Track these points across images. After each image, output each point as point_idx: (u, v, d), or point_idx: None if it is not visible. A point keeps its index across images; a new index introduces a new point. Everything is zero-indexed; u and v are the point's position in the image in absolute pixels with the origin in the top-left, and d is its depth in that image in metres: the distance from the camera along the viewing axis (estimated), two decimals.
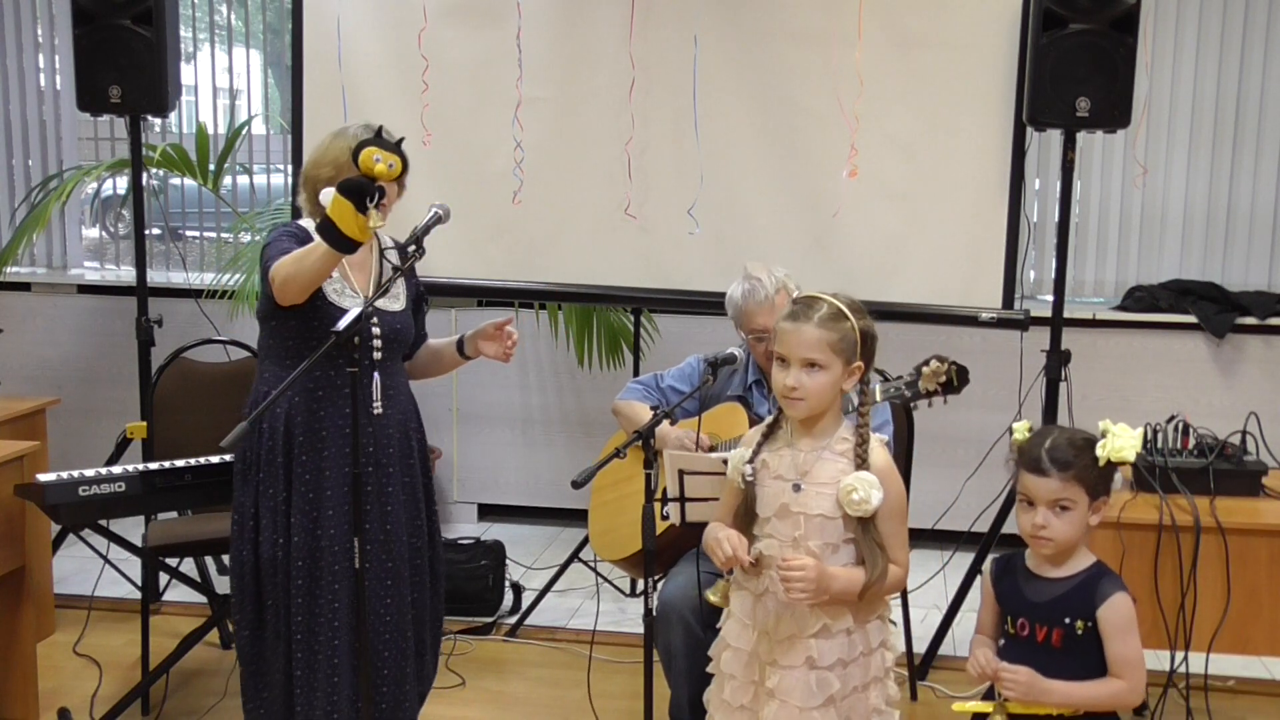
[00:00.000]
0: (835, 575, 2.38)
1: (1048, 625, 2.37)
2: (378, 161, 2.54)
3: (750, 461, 2.49)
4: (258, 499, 2.94)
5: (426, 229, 2.87)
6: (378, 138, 2.64)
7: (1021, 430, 2.47)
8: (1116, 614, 2.34)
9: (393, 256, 3.03)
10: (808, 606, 2.39)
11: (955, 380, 3.02)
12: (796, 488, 2.43)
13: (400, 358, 3.07)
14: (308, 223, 2.96)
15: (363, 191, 2.50)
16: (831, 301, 2.43)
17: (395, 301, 3.04)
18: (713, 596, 2.53)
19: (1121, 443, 2.36)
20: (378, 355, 2.95)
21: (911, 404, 3.09)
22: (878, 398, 3.07)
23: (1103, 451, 2.36)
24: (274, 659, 2.96)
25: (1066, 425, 2.50)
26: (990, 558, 2.54)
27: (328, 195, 2.58)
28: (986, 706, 2.41)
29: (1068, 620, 2.35)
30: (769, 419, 2.55)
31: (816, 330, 2.40)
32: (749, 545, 2.47)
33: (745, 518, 2.50)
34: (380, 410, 2.94)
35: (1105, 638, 2.34)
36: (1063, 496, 2.36)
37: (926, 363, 3.03)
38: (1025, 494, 2.41)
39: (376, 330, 2.94)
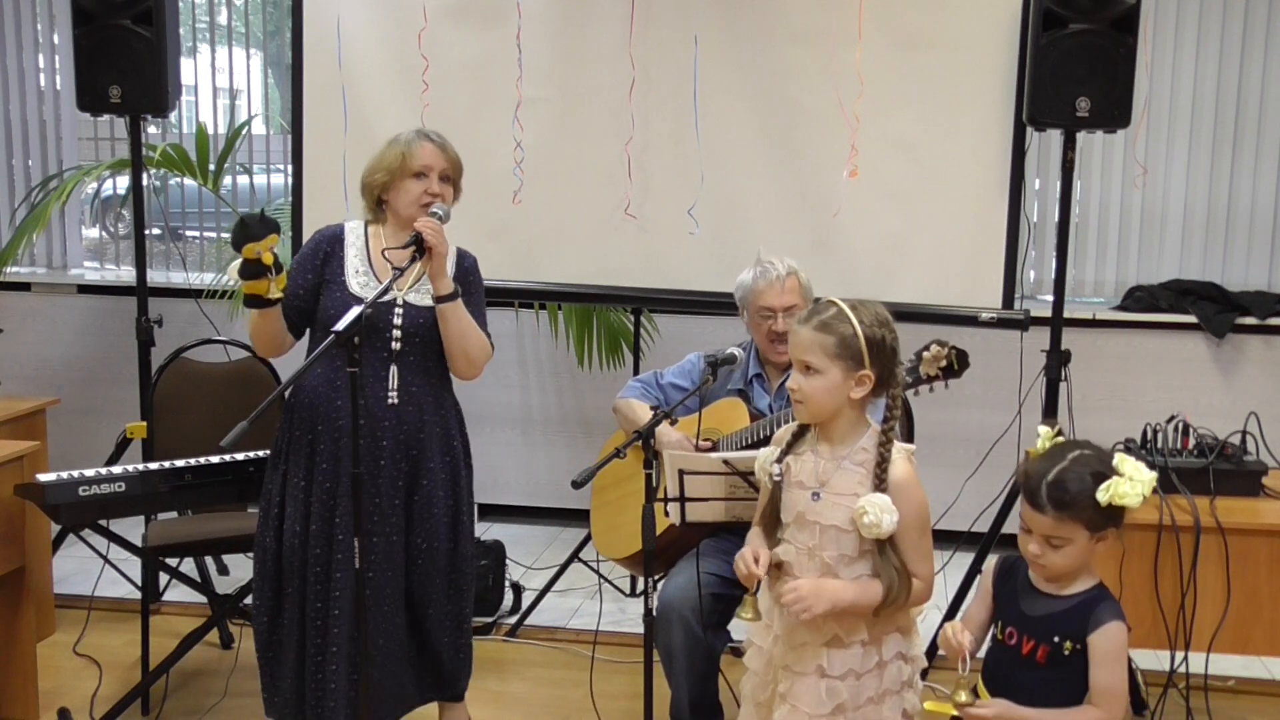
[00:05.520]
0: (844, 587, 2.37)
1: (1036, 640, 2.33)
2: (259, 255, 2.80)
3: (778, 461, 2.47)
4: (284, 486, 3.01)
5: None
6: (244, 229, 2.79)
7: (1046, 438, 2.36)
8: (1108, 642, 2.28)
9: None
10: (820, 617, 2.38)
11: (956, 364, 2.98)
12: (815, 496, 2.42)
13: (431, 354, 3.06)
14: (354, 224, 3.13)
15: (258, 274, 2.84)
16: (841, 307, 2.40)
17: (427, 297, 3.03)
18: (743, 614, 2.50)
19: (1126, 489, 2.23)
20: (396, 346, 2.98)
21: (914, 390, 3.07)
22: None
23: (1104, 495, 2.24)
24: (289, 647, 3.00)
25: (1084, 446, 2.33)
26: (996, 556, 2.51)
27: (233, 275, 2.92)
28: (949, 709, 2.37)
29: (1057, 639, 2.31)
30: (800, 422, 2.52)
31: (811, 333, 2.38)
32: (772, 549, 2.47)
33: (771, 519, 2.50)
34: (395, 401, 2.97)
35: (1092, 663, 2.28)
36: (1056, 534, 2.28)
37: (926, 348, 3.00)
38: (1023, 521, 2.34)
39: (398, 322, 2.98)
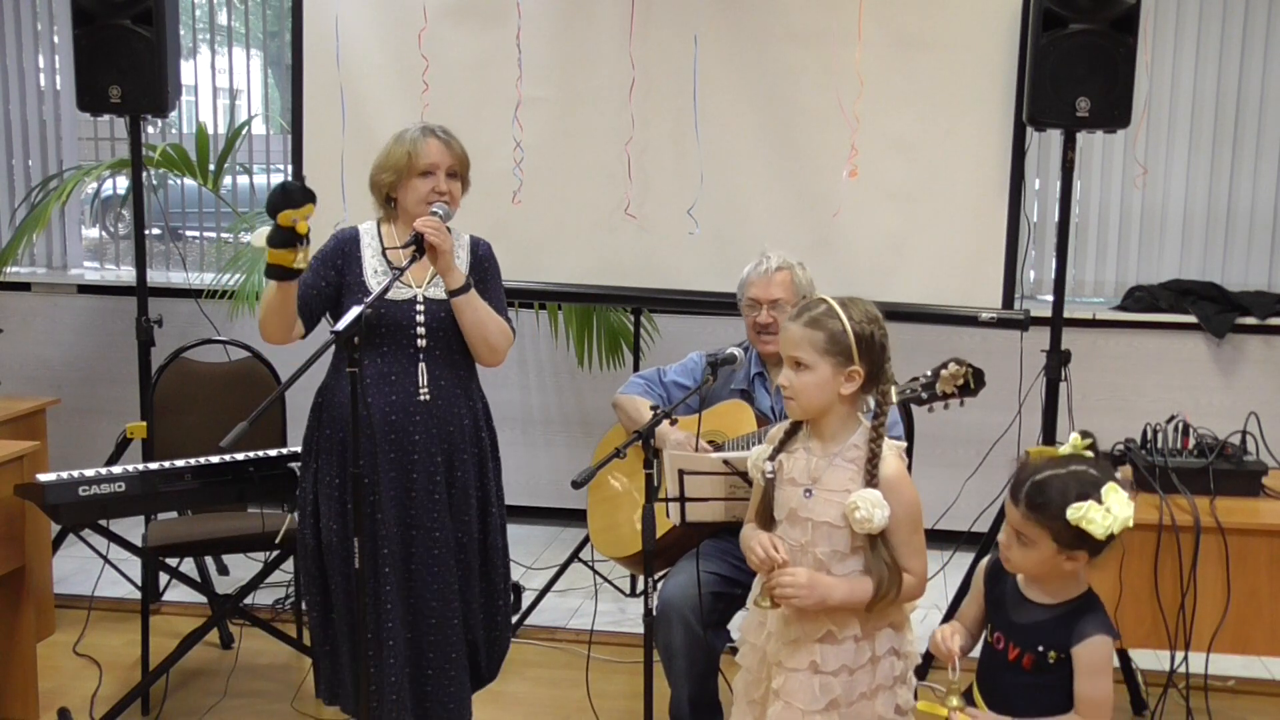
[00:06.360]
0: (835, 585, 2.38)
1: (1021, 648, 2.33)
2: (295, 222, 2.72)
3: (771, 459, 2.48)
4: (316, 485, 3.02)
5: None
6: (284, 194, 2.71)
7: (1074, 445, 2.33)
8: (1091, 656, 2.27)
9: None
10: (813, 612, 2.38)
11: (972, 383, 3.01)
12: (808, 493, 2.43)
13: (457, 347, 3.06)
14: (367, 225, 3.11)
15: (289, 243, 2.74)
16: (831, 304, 2.42)
17: (444, 291, 3.03)
18: (762, 602, 2.49)
19: (1095, 516, 2.20)
20: (422, 343, 3.00)
21: (928, 406, 3.08)
22: (893, 399, 3.05)
23: (1073, 513, 2.20)
24: (344, 638, 3.02)
25: (1094, 466, 2.29)
26: (988, 557, 2.52)
27: (259, 241, 2.78)
28: (944, 711, 2.37)
29: (1041, 648, 2.30)
30: (792, 419, 2.53)
31: (801, 329, 2.40)
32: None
33: (764, 516, 2.51)
34: (427, 398, 2.98)
35: (1076, 675, 2.28)
36: (1021, 530, 2.28)
37: (945, 365, 3.01)
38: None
39: (420, 319, 2.99)
